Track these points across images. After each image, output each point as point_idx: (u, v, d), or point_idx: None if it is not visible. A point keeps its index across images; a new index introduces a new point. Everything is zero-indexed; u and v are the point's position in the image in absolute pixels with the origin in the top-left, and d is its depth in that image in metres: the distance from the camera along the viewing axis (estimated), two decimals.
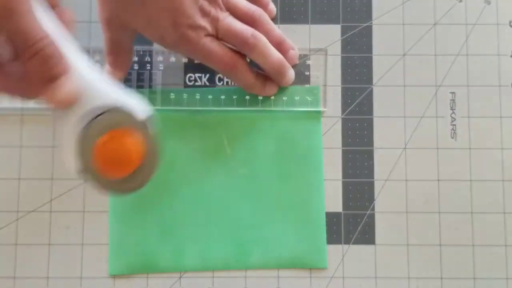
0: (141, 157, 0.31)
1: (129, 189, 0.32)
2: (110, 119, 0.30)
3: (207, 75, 0.50)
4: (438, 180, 0.50)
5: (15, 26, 0.27)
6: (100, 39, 0.51)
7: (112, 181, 0.31)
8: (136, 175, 0.31)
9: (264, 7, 0.49)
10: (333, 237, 0.49)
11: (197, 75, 0.50)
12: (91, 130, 0.30)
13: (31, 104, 0.49)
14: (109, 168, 0.31)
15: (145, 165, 0.31)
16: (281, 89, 0.50)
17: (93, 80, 0.30)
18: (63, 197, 0.49)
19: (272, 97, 0.50)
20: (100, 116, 0.30)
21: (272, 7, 0.50)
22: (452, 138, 0.50)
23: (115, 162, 0.30)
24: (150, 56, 0.50)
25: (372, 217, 0.49)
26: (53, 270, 0.48)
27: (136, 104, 0.31)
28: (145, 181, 0.31)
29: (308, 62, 0.51)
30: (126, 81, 0.50)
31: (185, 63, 0.51)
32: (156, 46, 0.50)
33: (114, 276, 0.48)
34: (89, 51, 0.50)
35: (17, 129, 0.49)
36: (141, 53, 0.50)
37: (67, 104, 0.29)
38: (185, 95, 0.50)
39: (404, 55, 0.51)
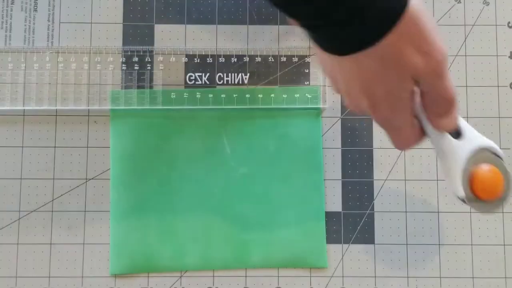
0: (502, 188, 0.39)
1: (494, 208, 0.40)
2: (484, 155, 0.39)
3: (207, 75, 0.51)
4: (437, 180, 0.50)
5: (444, 85, 0.35)
6: (100, 39, 0.51)
7: (485, 202, 0.39)
8: (499, 200, 0.40)
9: None
10: (333, 236, 0.49)
11: (197, 74, 0.51)
12: (472, 162, 0.39)
13: (32, 105, 0.49)
14: (482, 192, 0.39)
15: (505, 194, 0.40)
16: (282, 88, 0.50)
17: (468, 125, 0.40)
18: (65, 197, 0.49)
19: (272, 95, 0.50)
20: (478, 152, 0.39)
21: None
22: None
23: (487, 188, 0.39)
24: (151, 56, 0.50)
25: (371, 216, 0.49)
26: (54, 270, 0.48)
27: (497, 148, 0.40)
28: (504, 203, 0.40)
29: (307, 60, 0.51)
30: (127, 82, 0.50)
31: (185, 63, 0.51)
32: (156, 46, 0.50)
33: (115, 276, 0.48)
34: (90, 52, 0.50)
35: (18, 130, 0.50)
36: (141, 53, 0.50)
37: (455, 128, 0.38)
38: (185, 95, 0.50)
39: None
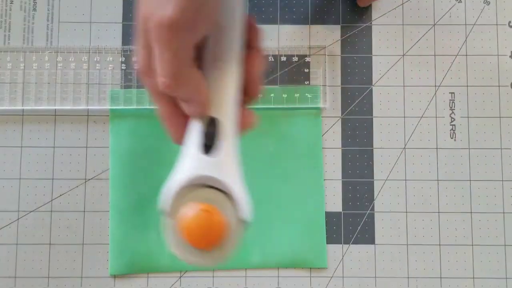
0: (224, 236, 0.31)
1: (211, 262, 0.31)
2: (209, 194, 0.31)
3: None
4: (438, 180, 0.50)
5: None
6: (99, 39, 0.51)
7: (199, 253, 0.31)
8: (217, 251, 0.31)
9: None
10: (333, 236, 0.49)
11: None
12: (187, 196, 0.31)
13: (31, 105, 0.49)
14: (192, 239, 0.31)
15: (228, 244, 0.31)
16: (282, 87, 0.50)
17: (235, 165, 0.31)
18: (64, 197, 0.49)
19: (272, 95, 0.50)
20: (205, 188, 0.31)
21: None
22: (452, 138, 0.50)
23: (198, 233, 0.30)
24: None
25: (371, 217, 0.49)
26: (53, 270, 0.48)
27: (244, 199, 0.31)
28: (226, 256, 0.31)
29: (307, 59, 0.51)
30: (127, 81, 0.50)
31: None
32: None
33: (114, 276, 0.48)
34: (89, 51, 0.50)
35: (17, 129, 0.49)
36: None
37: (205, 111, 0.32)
38: None
39: (403, 55, 0.51)
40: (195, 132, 0.32)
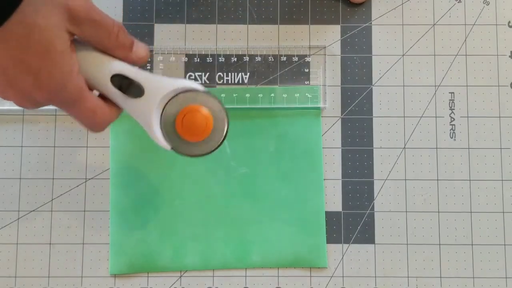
0: (212, 122, 0.39)
1: (209, 149, 0.39)
2: (180, 99, 0.38)
3: (207, 74, 0.51)
4: (438, 179, 0.50)
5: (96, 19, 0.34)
6: None
7: (195, 144, 0.39)
8: (211, 137, 0.39)
9: None
10: (333, 236, 0.49)
11: (197, 74, 0.51)
12: (168, 111, 0.38)
13: None
14: (190, 136, 0.38)
15: (217, 128, 0.39)
16: (282, 87, 0.50)
17: (154, 75, 0.38)
18: (64, 196, 0.49)
19: (272, 95, 0.50)
20: (172, 99, 0.38)
21: None
22: (451, 138, 0.50)
23: (194, 129, 0.38)
24: (151, 55, 0.50)
25: (371, 216, 0.49)
26: (54, 270, 0.48)
27: (194, 83, 0.39)
28: (220, 139, 0.39)
29: (307, 59, 0.51)
30: None
31: (185, 62, 0.51)
32: (156, 46, 0.50)
33: (114, 275, 0.48)
34: None
35: (18, 129, 0.49)
36: None
37: (147, 58, 0.38)
38: None
39: (403, 55, 0.51)
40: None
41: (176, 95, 0.38)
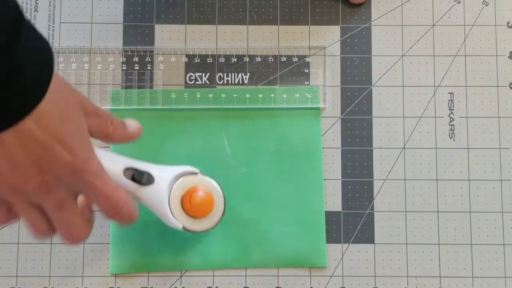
0: (213, 198, 0.45)
1: (214, 223, 0.45)
2: (183, 183, 0.44)
3: (208, 74, 0.51)
4: (437, 179, 0.50)
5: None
6: (100, 39, 0.51)
7: (201, 221, 0.45)
8: (214, 212, 0.45)
9: None
10: (333, 236, 0.49)
11: (197, 74, 0.51)
12: (174, 194, 0.44)
13: None
14: (197, 212, 0.44)
15: (217, 202, 0.45)
16: (282, 88, 0.50)
17: (157, 165, 0.44)
18: None
19: (272, 95, 0.50)
20: (176, 183, 0.44)
21: None
22: (451, 138, 0.50)
23: (202, 206, 0.44)
24: (151, 56, 0.51)
25: (371, 216, 0.50)
26: (54, 269, 0.48)
27: (192, 167, 0.45)
28: (221, 212, 0.45)
29: (307, 60, 0.51)
30: (127, 82, 0.50)
31: (185, 63, 0.51)
32: (156, 47, 0.51)
33: (115, 275, 0.48)
34: (90, 52, 0.50)
35: None
36: (142, 53, 0.51)
37: (141, 128, 0.41)
38: (186, 95, 0.50)
39: (403, 55, 0.51)
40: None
41: (179, 178, 0.44)
